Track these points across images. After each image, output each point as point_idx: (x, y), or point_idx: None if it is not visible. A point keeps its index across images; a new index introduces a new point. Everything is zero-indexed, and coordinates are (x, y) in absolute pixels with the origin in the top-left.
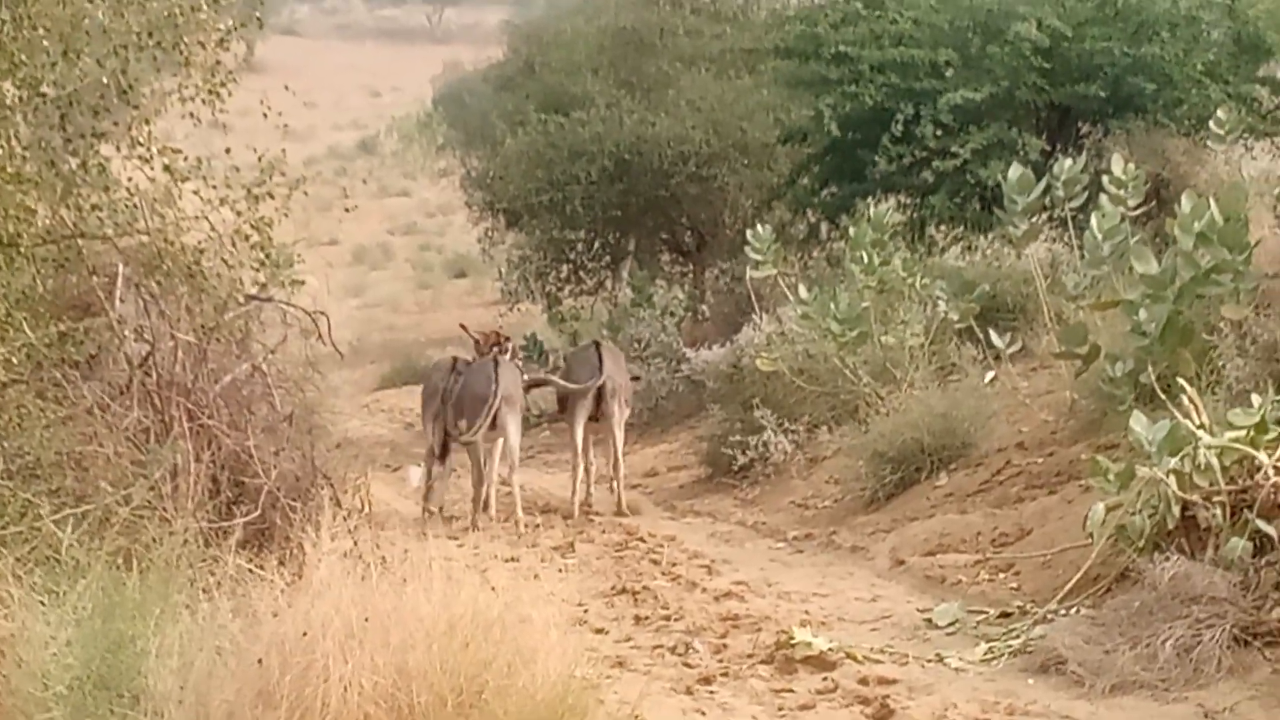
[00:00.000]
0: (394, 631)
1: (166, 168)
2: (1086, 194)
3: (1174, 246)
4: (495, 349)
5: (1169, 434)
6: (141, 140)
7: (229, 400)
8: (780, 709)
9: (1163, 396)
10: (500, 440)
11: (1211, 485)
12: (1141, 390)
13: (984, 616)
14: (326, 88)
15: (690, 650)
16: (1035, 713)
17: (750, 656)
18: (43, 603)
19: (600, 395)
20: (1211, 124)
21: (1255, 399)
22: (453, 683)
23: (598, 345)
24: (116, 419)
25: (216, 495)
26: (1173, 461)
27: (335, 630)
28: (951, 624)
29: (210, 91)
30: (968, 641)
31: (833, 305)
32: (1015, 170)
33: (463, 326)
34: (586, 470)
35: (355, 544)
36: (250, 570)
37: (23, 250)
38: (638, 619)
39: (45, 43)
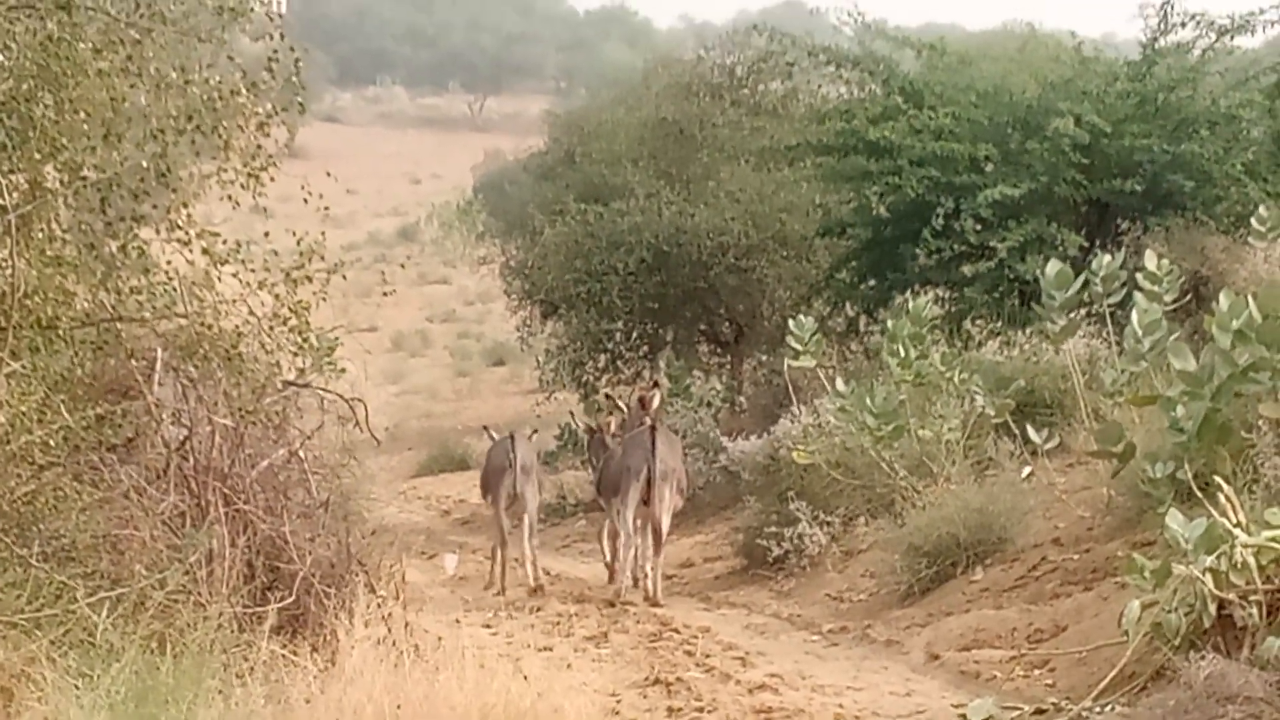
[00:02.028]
0: None
1: (205, 251)
2: (1125, 290)
3: (1212, 344)
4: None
5: (1206, 532)
6: (181, 224)
7: (265, 485)
8: None
9: (1200, 494)
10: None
11: (1248, 584)
12: (1178, 488)
13: (1019, 713)
14: (368, 175)
15: None
16: None
17: None
18: (77, 686)
19: (650, 479)
20: (1253, 221)
21: None
22: None
23: (653, 429)
24: (153, 503)
25: (251, 580)
26: (1209, 560)
27: (368, 717)
28: None
29: (250, 175)
30: None
31: (869, 398)
32: (1053, 266)
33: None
34: (635, 553)
35: (389, 631)
36: (284, 656)
37: (62, 333)
38: (671, 710)
39: (86, 127)
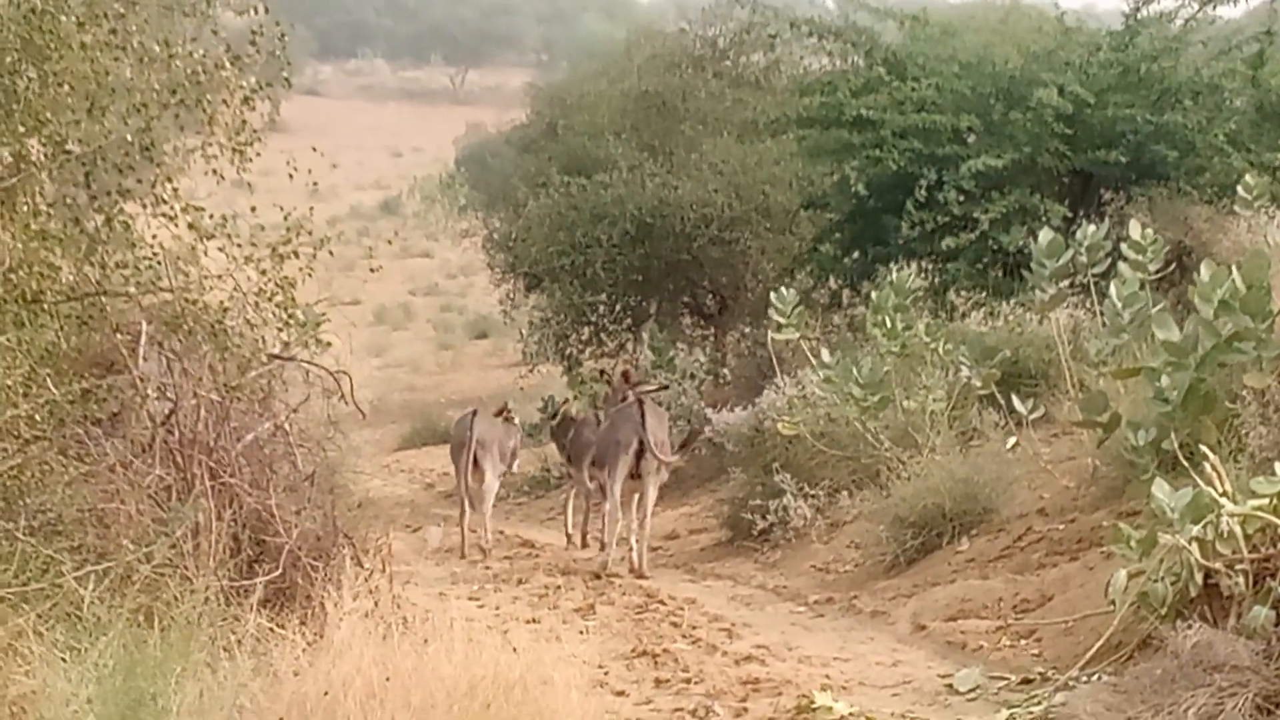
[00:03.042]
0: (415, 692)
1: (191, 225)
2: (1109, 260)
3: (1196, 314)
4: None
5: (1191, 501)
6: (165, 198)
7: (251, 459)
8: None
9: (1185, 464)
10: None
11: (1234, 553)
12: (1164, 458)
13: (1005, 682)
14: (349, 148)
15: (710, 714)
16: None
17: None
18: (64, 660)
19: (640, 452)
20: (1239, 189)
21: (1278, 467)
22: None
23: (641, 402)
24: (139, 476)
25: (238, 554)
26: (1195, 529)
27: (356, 690)
28: (973, 690)
29: (234, 150)
30: (989, 707)
31: (855, 369)
32: (1045, 235)
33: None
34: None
35: (376, 604)
36: (271, 629)
37: (46, 307)
38: (658, 682)
39: (70, 100)
